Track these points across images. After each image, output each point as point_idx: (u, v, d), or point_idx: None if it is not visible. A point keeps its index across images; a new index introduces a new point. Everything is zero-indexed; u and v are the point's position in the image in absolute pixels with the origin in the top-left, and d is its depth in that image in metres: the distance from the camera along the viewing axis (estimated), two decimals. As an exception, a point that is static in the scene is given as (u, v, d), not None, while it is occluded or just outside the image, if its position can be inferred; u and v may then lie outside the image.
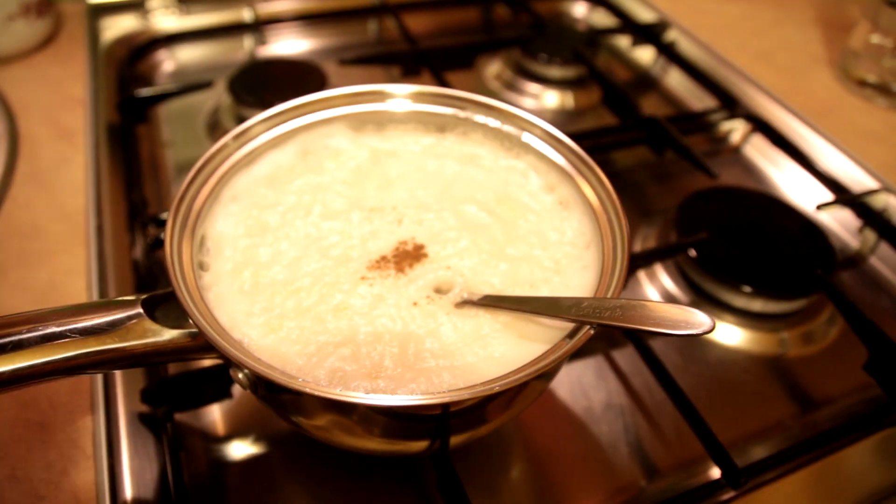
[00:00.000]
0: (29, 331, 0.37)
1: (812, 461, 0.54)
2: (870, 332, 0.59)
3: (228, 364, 0.40)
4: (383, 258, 0.47)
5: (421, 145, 0.57)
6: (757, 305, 0.65)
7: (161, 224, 0.66)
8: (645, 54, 1.05)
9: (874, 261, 0.74)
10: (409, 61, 0.93)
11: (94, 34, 0.96)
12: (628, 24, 1.07)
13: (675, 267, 0.70)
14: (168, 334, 0.40)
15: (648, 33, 1.03)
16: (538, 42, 0.98)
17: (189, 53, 1.00)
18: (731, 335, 0.65)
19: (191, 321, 0.39)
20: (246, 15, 1.02)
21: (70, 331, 0.37)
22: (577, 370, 0.60)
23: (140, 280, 0.64)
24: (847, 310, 0.61)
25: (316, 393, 0.35)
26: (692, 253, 0.67)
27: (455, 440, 0.45)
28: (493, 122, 0.56)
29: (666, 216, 0.75)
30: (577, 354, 0.61)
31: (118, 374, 0.54)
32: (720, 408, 0.59)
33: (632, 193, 0.82)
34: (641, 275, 0.70)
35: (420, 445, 0.45)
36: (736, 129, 0.90)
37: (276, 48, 1.02)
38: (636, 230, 0.75)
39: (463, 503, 0.46)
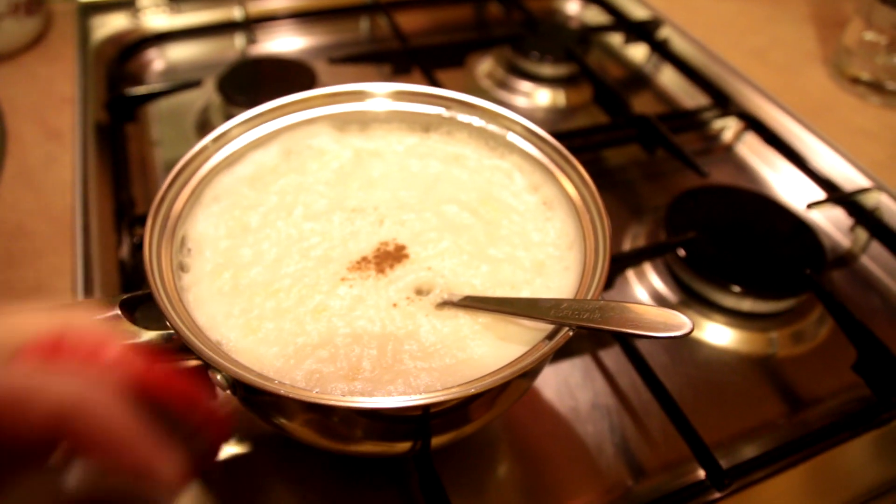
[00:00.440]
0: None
1: (800, 461, 0.53)
2: (858, 332, 0.59)
3: (206, 366, 0.40)
4: (364, 259, 0.47)
5: (405, 145, 0.56)
6: (746, 305, 0.65)
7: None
8: (638, 52, 1.05)
9: (865, 260, 0.74)
10: (399, 60, 0.93)
11: (84, 33, 0.96)
12: (621, 22, 1.06)
13: (665, 266, 0.70)
14: (146, 336, 0.40)
15: (641, 31, 1.03)
16: (530, 40, 0.98)
17: (179, 52, 1.00)
18: (720, 335, 0.65)
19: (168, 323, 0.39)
20: (236, 13, 1.01)
21: (44, 333, 0.37)
22: (564, 370, 0.60)
23: (126, 280, 0.64)
24: (835, 310, 0.61)
25: (290, 395, 0.35)
26: (681, 252, 0.66)
27: (437, 441, 0.45)
28: (477, 122, 0.56)
29: (657, 214, 0.75)
30: (563, 354, 0.61)
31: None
32: (709, 408, 0.58)
33: (623, 191, 0.82)
34: (630, 274, 0.70)
35: (402, 447, 0.45)
36: (728, 127, 0.90)
37: (267, 47, 1.02)
38: (626, 228, 0.75)
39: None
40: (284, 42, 1.04)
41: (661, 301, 0.67)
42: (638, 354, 0.58)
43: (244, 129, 0.53)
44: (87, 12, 0.99)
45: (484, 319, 0.43)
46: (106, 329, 0.38)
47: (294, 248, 0.48)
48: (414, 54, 0.93)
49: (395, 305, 0.44)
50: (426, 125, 0.57)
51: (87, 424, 0.27)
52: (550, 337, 0.40)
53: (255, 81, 0.87)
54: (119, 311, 0.40)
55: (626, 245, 0.73)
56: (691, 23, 1.05)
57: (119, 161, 0.76)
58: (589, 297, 0.41)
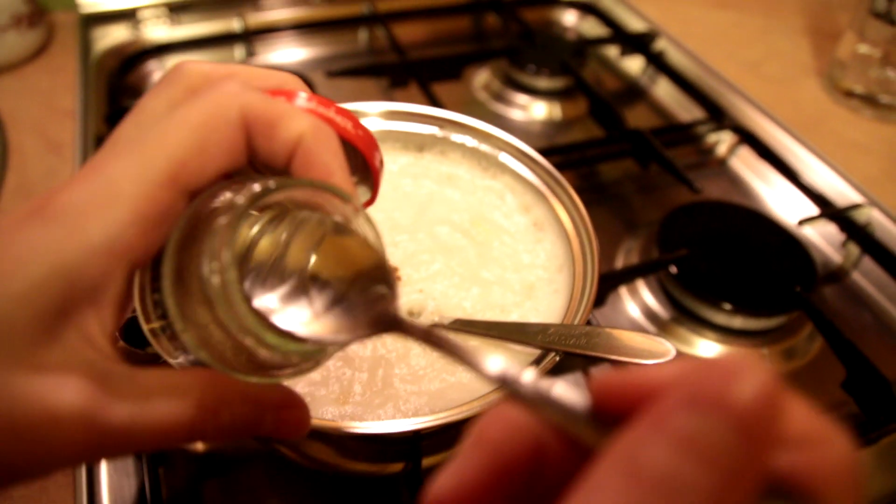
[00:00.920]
0: None
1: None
2: (847, 350, 0.60)
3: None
4: (357, 281, 0.48)
5: (399, 164, 0.57)
6: (737, 322, 0.65)
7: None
8: (634, 64, 1.06)
9: (857, 276, 0.75)
10: (396, 73, 0.94)
11: (85, 44, 0.97)
12: (618, 34, 1.07)
13: (657, 282, 0.70)
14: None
15: (637, 43, 1.04)
16: (526, 52, 0.98)
17: (179, 64, 1.00)
18: (711, 351, 0.65)
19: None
20: (236, 25, 1.02)
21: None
22: (556, 387, 0.61)
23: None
24: (825, 328, 0.62)
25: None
26: (672, 269, 0.67)
27: (428, 461, 0.46)
28: (470, 141, 0.56)
29: (651, 229, 0.75)
30: (554, 371, 0.62)
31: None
32: (698, 424, 0.59)
33: (618, 206, 0.82)
34: (623, 290, 0.70)
35: (394, 467, 0.46)
36: (722, 141, 0.91)
37: (266, 58, 1.03)
38: (620, 243, 0.75)
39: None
40: (283, 54, 1.05)
41: (652, 318, 0.67)
42: (628, 372, 0.58)
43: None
44: (89, 24, 1.00)
45: (474, 342, 0.44)
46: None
47: (288, 269, 0.48)
48: (411, 68, 0.94)
49: (386, 328, 0.45)
50: (420, 145, 0.58)
51: (320, 152, 0.30)
52: (538, 360, 0.41)
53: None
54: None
55: (620, 260, 0.73)
56: (687, 34, 1.06)
57: (118, 175, 0.77)
58: (576, 322, 0.42)
